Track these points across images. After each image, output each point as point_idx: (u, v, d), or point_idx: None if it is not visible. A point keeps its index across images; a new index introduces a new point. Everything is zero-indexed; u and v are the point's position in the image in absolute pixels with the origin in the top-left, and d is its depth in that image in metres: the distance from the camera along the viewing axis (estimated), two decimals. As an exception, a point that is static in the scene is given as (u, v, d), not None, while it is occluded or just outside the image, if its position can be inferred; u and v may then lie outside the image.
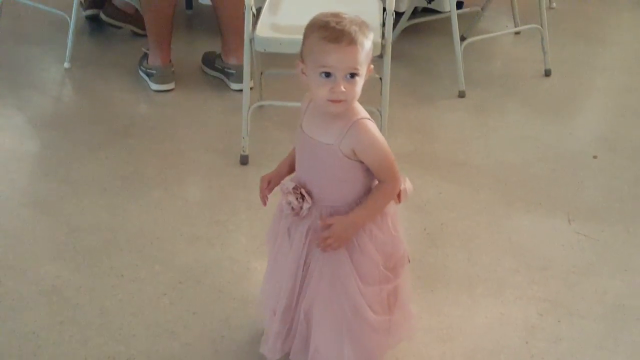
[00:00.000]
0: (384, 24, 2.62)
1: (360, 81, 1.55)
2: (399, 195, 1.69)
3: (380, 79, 2.67)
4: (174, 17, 3.26)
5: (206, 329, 2.00)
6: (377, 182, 1.66)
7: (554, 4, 4.39)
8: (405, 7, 3.64)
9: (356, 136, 1.58)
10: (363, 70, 1.55)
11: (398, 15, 3.54)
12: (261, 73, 2.99)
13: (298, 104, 1.72)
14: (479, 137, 3.01)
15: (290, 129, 1.75)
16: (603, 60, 3.80)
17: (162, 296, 2.10)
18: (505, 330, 2.02)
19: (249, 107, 2.72)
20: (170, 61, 3.28)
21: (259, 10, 2.74)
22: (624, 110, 3.28)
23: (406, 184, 1.70)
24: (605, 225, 2.47)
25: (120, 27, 3.72)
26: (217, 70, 3.35)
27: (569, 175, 2.75)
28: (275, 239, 1.78)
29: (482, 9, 3.85)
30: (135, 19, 3.69)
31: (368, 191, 1.65)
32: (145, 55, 3.33)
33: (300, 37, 1.61)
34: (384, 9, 2.61)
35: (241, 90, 2.78)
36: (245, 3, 2.60)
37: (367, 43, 1.55)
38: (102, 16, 3.69)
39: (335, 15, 1.55)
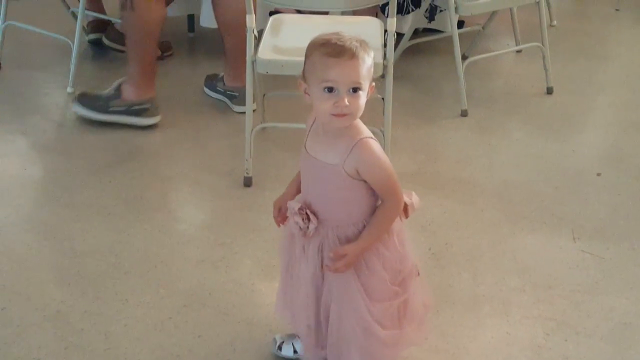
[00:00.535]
0: (385, 45, 2.63)
1: (363, 96, 1.57)
2: (405, 210, 1.70)
3: (383, 99, 2.68)
4: None
5: (211, 352, 1.99)
6: (378, 208, 1.66)
7: (555, 22, 4.40)
8: (407, 27, 3.66)
9: (360, 155, 1.59)
10: (365, 86, 1.57)
11: (399, 35, 3.55)
12: (264, 95, 2.99)
13: (301, 126, 1.73)
14: (482, 155, 3.01)
15: (294, 150, 1.75)
16: (605, 77, 3.81)
17: (167, 320, 2.10)
18: (511, 350, 2.01)
19: (252, 129, 2.72)
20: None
21: (260, 32, 2.75)
22: (627, 127, 3.28)
23: (412, 198, 1.71)
24: (610, 243, 2.46)
25: (123, 51, 3.71)
26: (220, 92, 3.35)
27: (573, 193, 2.75)
28: (287, 253, 1.79)
29: (483, 28, 3.87)
30: (137, 42, 3.69)
31: (373, 210, 1.66)
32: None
33: (302, 59, 1.63)
34: (385, 30, 2.63)
35: (244, 113, 2.79)
36: (247, 25, 2.61)
37: (368, 59, 1.57)
38: (105, 40, 3.71)
39: (336, 33, 1.59)
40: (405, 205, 1.69)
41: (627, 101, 3.54)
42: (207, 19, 3.75)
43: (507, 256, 2.39)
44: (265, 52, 2.64)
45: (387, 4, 2.59)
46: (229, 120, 3.21)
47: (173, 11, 3.86)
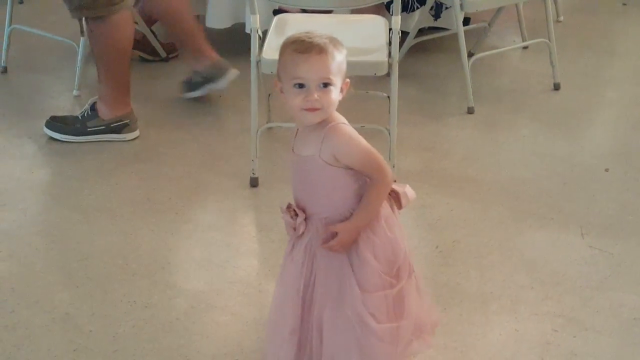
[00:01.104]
0: (390, 43, 2.62)
1: (334, 91, 1.59)
2: (398, 200, 1.70)
3: (388, 97, 2.67)
4: None
5: (219, 353, 1.99)
6: (367, 187, 1.66)
7: (562, 18, 4.38)
8: (412, 25, 3.65)
9: (332, 141, 1.60)
10: (336, 81, 1.59)
11: (405, 33, 3.55)
12: (269, 95, 2.99)
13: (307, 125, 1.72)
14: (489, 153, 3.00)
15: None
16: (612, 72, 3.79)
17: (174, 321, 2.10)
18: (520, 347, 2.00)
19: (258, 130, 2.72)
20: None
21: (264, 33, 2.75)
22: (634, 123, 3.26)
23: (406, 189, 1.72)
24: (618, 238, 2.45)
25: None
26: (199, 84, 3.33)
27: (581, 189, 2.74)
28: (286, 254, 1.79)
29: (489, 25, 3.86)
30: (143, 44, 3.71)
31: (358, 199, 1.66)
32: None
33: None
34: (390, 28, 2.62)
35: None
36: (252, 26, 2.61)
37: (339, 55, 1.59)
38: (110, 43, 3.71)
39: (307, 32, 1.61)
40: (398, 195, 1.69)
41: (634, 96, 3.52)
42: (213, 20, 3.76)
43: (515, 253, 2.38)
44: (270, 52, 2.63)
45: (392, 2, 2.58)
46: (234, 121, 3.21)
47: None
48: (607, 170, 2.86)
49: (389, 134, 2.69)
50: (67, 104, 3.39)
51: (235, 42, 3.88)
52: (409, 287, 1.75)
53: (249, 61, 2.65)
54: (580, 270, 2.30)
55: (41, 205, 2.70)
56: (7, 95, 3.51)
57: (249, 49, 2.65)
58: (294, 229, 1.68)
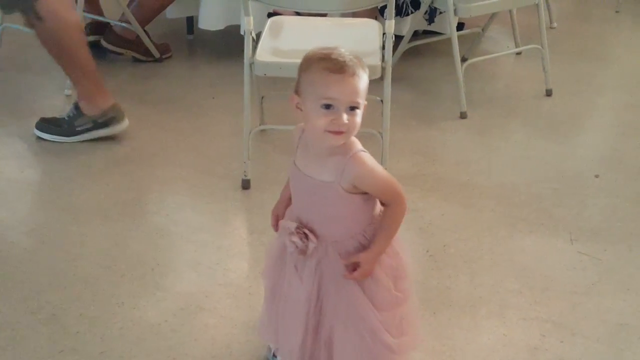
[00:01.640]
0: (383, 47, 2.62)
1: (360, 114, 1.55)
2: None
3: (381, 101, 2.67)
4: None
5: (208, 355, 1.98)
6: (378, 208, 1.65)
7: (555, 24, 4.40)
8: (406, 30, 3.65)
9: (354, 171, 1.56)
10: (363, 103, 1.55)
11: (399, 38, 3.55)
12: (262, 97, 2.99)
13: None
14: (481, 157, 3.01)
15: (292, 152, 1.74)
16: (604, 78, 3.81)
17: (163, 323, 2.09)
18: (508, 352, 2.00)
19: (250, 131, 2.72)
20: None
21: (258, 35, 2.75)
22: (625, 129, 3.27)
23: None
24: (607, 244, 2.45)
25: (121, 54, 3.74)
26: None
27: (571, 195, 2.74)
28: (274, 275, 1.76)
29: (482, 30, 3.87)
30: (136, 44, 3.71)
31: (370, 220, 1.64)
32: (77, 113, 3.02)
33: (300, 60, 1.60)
34: (384, 32, 2.62)
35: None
36: (245, 28, 2.61)
37: (365, 77, 1.55)
38: (103, 43, 3.71)
39: (334, 48, 1.55)
40: None
41: (626, 103, 3.53)
42: (206, 21, 3.76)
43: (505, 258, 2.39)
44: (264, 54, 2.63)
45: (386, 6, 2.58)
46: (227, 123, 3.20)
47: (172, 13, 3.89)
48: (597, 176, 2.86)
49: (382, 137, 2.70)
50: (58, 103, 3.38)
51: (228, 44, 3.90)
52: (412, 303, 1.75)
53: (242, 63, 2.65)
54: (569, 275, 2.31)
55: (31, 206, 2.69)
56: (-1, 94, 3.51)
57: (243, 51, 2.64)
58: (303, 252, 1.63)
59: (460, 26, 3.80)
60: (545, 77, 3.52)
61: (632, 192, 2.77)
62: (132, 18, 3.59)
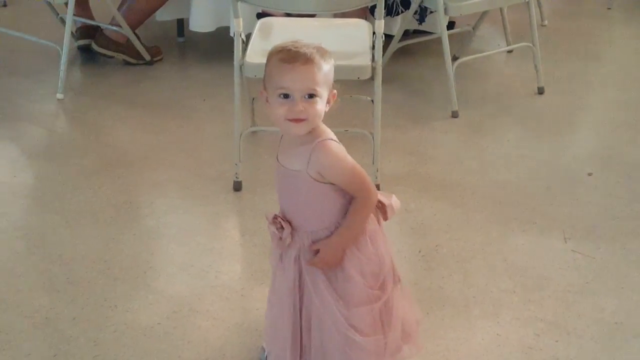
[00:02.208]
0: (373, 47, 2.62)
1: (319, 102, 1.57)
2: (384, 212, 1.70)
3: (372, 101, 2.66)
4: None
5: (201, 357, 1.98)
6: (351, 205, 1.65)
7: (546, 22, 4.40)
8: (396, 29, 3.65)
9: (319, 158, 1.58)
10: (322, 92, 1.57)
11: (390, 37, 3.55)
12: (253, 99, 2.99)
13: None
14: (473, 157, 3.00)
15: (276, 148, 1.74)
16: (596, 76, 3.81)
17: (156, 326, 2.09)
18: (502, 352, 2.00)
19: (241, 133, 2.72)
20: None
21: (248, 36, 2.74)
22: (617, 126, 3.27)
23: (392, 200, 1.70)
24: (601, 243, 2.45)
25: (112, 57, 3.73)
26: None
27: (564, 193, 2.74)
28: (274, 263, 1.78)
29: (473, 29, 3.86)
30: (127, 48, 3.70)
31: (344, 211, 1.65)
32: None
33: None
34: (374, 32, 2.62)
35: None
36: (235, 30, 2.61)
37: (325, 65, 1.57)
38: (94, 46, 3.70)
39: (295, 41, 1.59)
40: (384, 207, 1.69)
41: (618, 100, 3.54)
42: (197, 24, 3.75)
43: (498, 257, 2.38)
44: (254, 55, 2.63)
45: (375, 6, 2.58)
46: (218, 125, 3.20)
47: (162, 15, 3.88)
48: (590, 174, 2.86)
49: (373, 138, 2.69)
50: (50, 107, 3.37)
51: (219, 46, 3.89)
52: (396, 296, 1.75)
53: (233, 65, 2.65)
54: (562, 274, 2.31)
55: (23, 209, 2.68)
56: (-10, 98, 3.50)
57: (233, 52, 2.64)
58: (280, 239, 1.66)
59: (450, 25, 3.80)
60: (537, 75, 3.52)
61: (624, 189, 2.77)
62: (122, 21, 3.58)
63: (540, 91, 3.54)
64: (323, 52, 1.58)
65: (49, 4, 3.65)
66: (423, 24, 3.75)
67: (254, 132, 2.97)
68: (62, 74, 3.40)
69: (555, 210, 2.63)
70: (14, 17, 4.23)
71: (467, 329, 2.08)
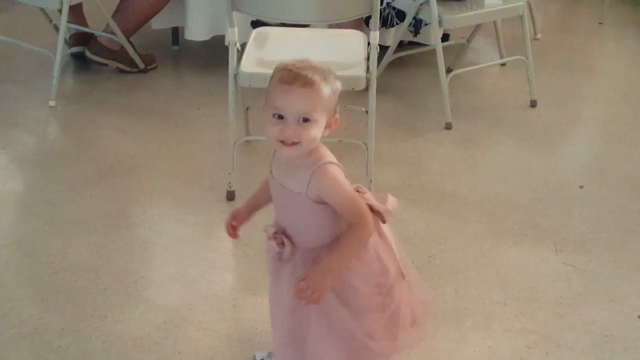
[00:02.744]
0: (368, 58, 2.62)
1: (314, 127, 1.53)
2: (381, 216, 1.67)
3: (366, 112, 2.66)
4: None
5: (191, 368, 1.97)
6: (345, 232, 1.63)
7: (539, 35, 4.42)
8: (391, 40, 3.65)
9: (318, 182, 1.56)
10: (319, 117, 1.53)
11: (384, 48, 3.55)
12: (247, 108, 2.98)
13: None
14: (466, 168, 3.01)
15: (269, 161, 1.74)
16: (588, 89, 3.82)
17: (146, 336, 2.07)
18: (494, 364, 2.00)
19: (235, 143, 2.71)
20: None
21: (243, 45, 2.74)
22: (609, 140, 3.28)
23: (388, 202, 1.67)
24: (592, 255, 2.46)
25: (105, 64, 3.72)
26: None
27: (556, 206, 2.75)
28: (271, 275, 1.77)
29: (467, 41, 3.87)
30: (120, 55, 3.69)
31: (343, 228, 1.63)
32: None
33: None
34: (369, 43, 2.62)
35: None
36: (230, 39, 2.60)
37: (327, 90, 1.52)
38: (88, 54, 3.69)
39: (301, 61, 1.55)
40: (381, 214, 1.66)
41: (610, 114, 3.55)
42: (192, 32, 3.75)
43: (490, 269, 2.38)
44: (248, 65, 2.63)
45: (371, 16, 2.58)
46: (212, 134, 3.19)
47: (157, 24, 3.87)
48: (581, 187, 2.87)
49: (367, 148, 2.68)
50: (42, 115, 3.35)
51: (214, 55, 3.88)
52: (402, 294, 1.73)
53: (227, 74, 2.64)
54: (554, 286, 2.31)
55: (13, 218, 2.66)
56: (-18, 106, 3.48)
57: (228, 61, 2.64)
58: (279, 259, 1.65)
59: (445, 37, 3.81)
60: (530, 88, 3.53)
61: (616, 202, 2.78)
62: (116, 29, 3.57)
63: (533, 104, 3.55)
64: (327, 75, 1.53)
65: (43, 10, 3.65)
66: (418, 35, 3.75)
67: (247, 142, 2.97)
68: (54, 81, 3.38)
69: (547, 222, 2.64)
70: (7, 23, 4.21)
71: (459, 340, 2.08)
